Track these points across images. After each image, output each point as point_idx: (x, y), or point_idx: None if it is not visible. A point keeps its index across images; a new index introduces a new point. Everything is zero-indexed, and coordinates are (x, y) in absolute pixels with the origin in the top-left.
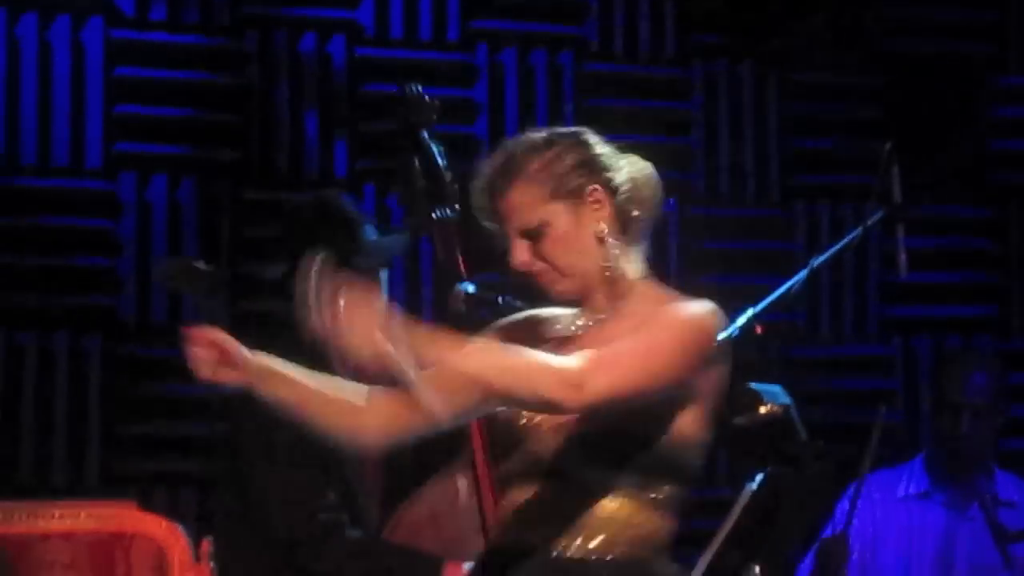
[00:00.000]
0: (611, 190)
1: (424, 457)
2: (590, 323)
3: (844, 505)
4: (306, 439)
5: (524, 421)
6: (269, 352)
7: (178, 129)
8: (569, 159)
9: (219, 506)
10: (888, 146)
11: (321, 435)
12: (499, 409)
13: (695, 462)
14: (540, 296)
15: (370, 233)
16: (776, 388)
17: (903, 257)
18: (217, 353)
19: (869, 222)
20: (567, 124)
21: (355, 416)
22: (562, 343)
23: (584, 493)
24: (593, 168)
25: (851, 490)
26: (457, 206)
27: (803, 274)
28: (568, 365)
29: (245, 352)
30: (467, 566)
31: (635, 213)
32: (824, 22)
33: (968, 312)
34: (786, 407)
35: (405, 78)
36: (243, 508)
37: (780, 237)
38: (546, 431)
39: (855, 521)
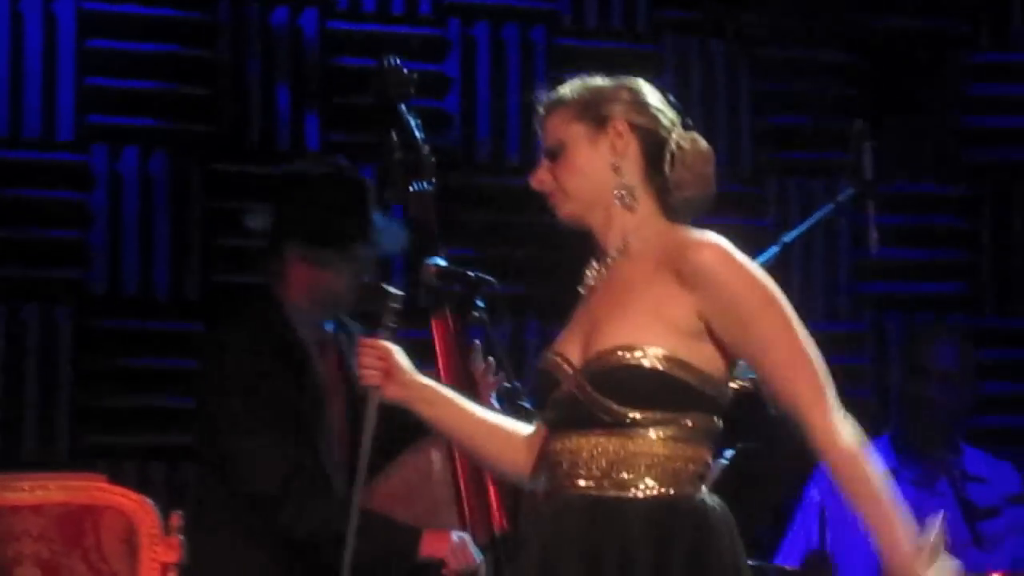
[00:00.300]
0: (641, 132)
1: (397, 430)
2: (603, 269)
3: (812, 490)
4: (276, 404)
5: (560, 366)
6: (245, 325)
7: (150, 101)
8: (609, 92)
9: (194, 476)
10: (860, 123)
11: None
12: (544, 361)
13: (724, 390)
14: (513, 271)
15: (377, 215)
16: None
17: (874, 234)
18: (387, 366)
19: (840, 199)
20: (538, 99)
21: (517, 451)
22: (587, 295)
23: (623, 431)
24: (630, 107)
25: (818, 474)
26: (433, 179)
27: (774, 250)
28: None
29: (413, 372)
30: (454, 536)
31: (668, 172)
32: None
33: (939, 289)
34: (755, 383)
35: (377, 52)
36: (217, 476)
37: (751, 213)
38: (580, 376)
39: (822, 501)
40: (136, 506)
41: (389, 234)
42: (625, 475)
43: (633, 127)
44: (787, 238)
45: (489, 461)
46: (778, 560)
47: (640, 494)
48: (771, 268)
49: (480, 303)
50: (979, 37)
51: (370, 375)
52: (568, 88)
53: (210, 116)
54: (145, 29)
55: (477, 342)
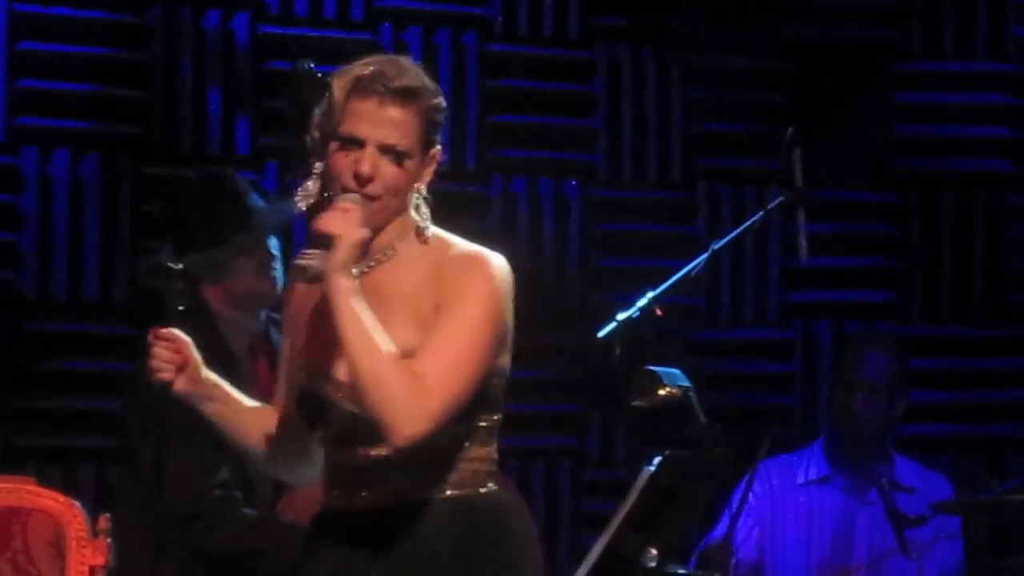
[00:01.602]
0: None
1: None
2: (365, 269)
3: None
4: (200, 417)
5: (332, 390)
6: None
7: (81, 104)
8: (440, 116)
9: (117, 482)
10: (790, 131)
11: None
12: (311, 385)
13: (501, 390)
14: None
15: (257, 201)
16: (676, 371)
17: (804, 242)
18: (182, 360)
19: (770, 206)
20: (470, 104)
21: (266, 442)
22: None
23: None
24: (439, 132)
25: (744, 482)
26: None
27: (704, 257)
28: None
29: (203, 365)
30: None
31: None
32: (728, 5)
33: (868, 297)
34: (685, 390)
35: (309, 56)
36: (142, 484)
37: (682, 220)
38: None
39: (753, 507)
40: (64, 508)
41: (272, 215)
42: (422, 482)
43: (437, 154)
44: (717, 245)
45: (254, 449)
46: (706, 539)
47: (440, 496)
48: (701, 275)
49: None
50: (910, 46)
51: (164, 369)
52: (417, 87)
53: (141, 119)
54: (76, 31)
55: None
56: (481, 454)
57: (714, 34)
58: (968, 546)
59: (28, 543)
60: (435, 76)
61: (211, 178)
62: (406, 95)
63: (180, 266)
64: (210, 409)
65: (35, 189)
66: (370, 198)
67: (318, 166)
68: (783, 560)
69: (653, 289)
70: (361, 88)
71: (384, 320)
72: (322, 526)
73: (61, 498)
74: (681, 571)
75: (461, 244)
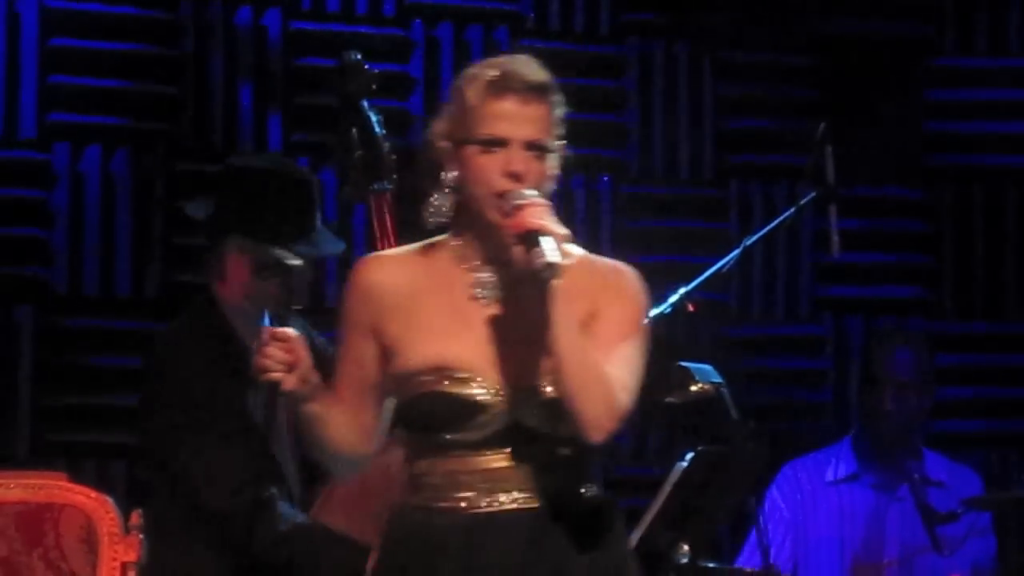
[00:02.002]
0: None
1: None
2: (498, 280)
3: (774, 493)
4: (223, 410)
5: (487, 394)
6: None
7: (112, 100)
8: (562, 110)
9: (145, 479)
10: (822, 126)
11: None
12: (459, 388)
13: None
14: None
15: (320, 219)
16: (708, 367)
17: (836, 237)
18: (294, 360)
19: (802, 202)
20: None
21: (366, 441)
22: (481, 305)
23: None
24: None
25: (780, 477)
26: (394, 177)
27: (736, 253)
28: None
29: (311, 364)
30: None
31: None
32: (760, 2)
33: (900, 293)
34: (717, 386)
35: (341, 52)
36: (169, 482)
37: (713, 216)
38: (513, 402)
39: (784, 512)
40: (96, 504)
41: (331, 241)
42: (566, 484)
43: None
44: (749, 241)
45: (337, 448)
46: (739, 562)
47: (581, 497)
48: (732, 271)
49: None
50: (943, 41)
51: (275, 369)
52: (548, 78)
53: (173, 115)
54: (108, 27)
55: None
56: (595, 456)
57: (745, 30)
58: (1000, 542)
59: (60, 539)
60: None
61: (289, 176)
62: (542, 91)
63: (299, 262)
64: (309, 409)
65: (67, 185)
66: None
67: (450, 177)
68: (816, 558)
69: (685, 285)
70: (498, 88)
71: (536, 339)
72: (445, 530)
73: (93, 494)
74: (712, 565)
75: (601, 259)
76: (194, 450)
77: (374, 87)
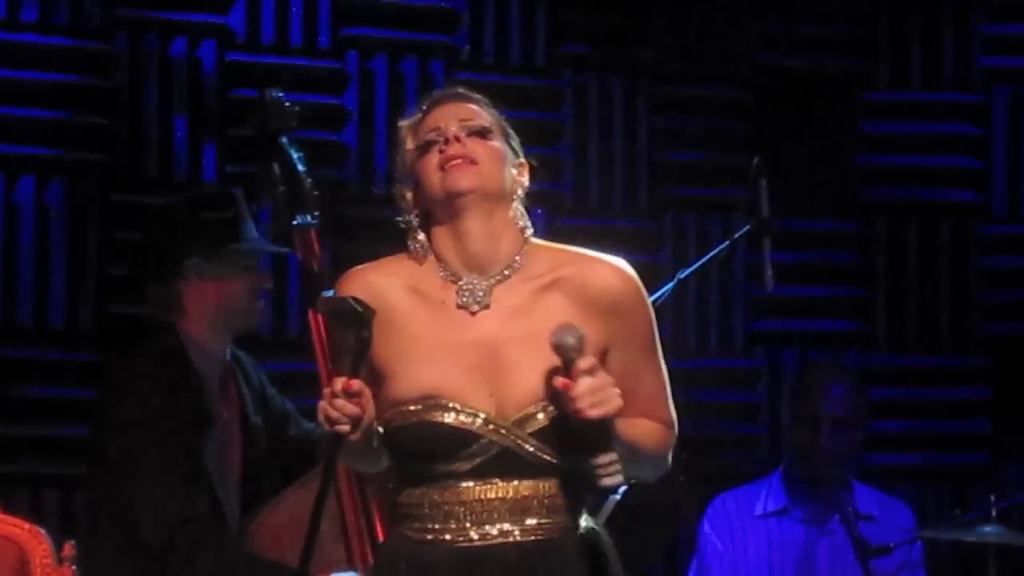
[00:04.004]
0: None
1: (285, 462)
2: (481, 287)
3: (705, 527)
4: (176, 447)
5: (477, 423)
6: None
7: (47, 131)
8: (510, 131)
9: (84, 510)
10: (756, 160)
11: (193, 445)
12: (448, 418)
13: None
14: None
15: (251, 231)
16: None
17: (770, 271)
18: (360, 413)
19: (737, 235)
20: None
21: None
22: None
23: (560, 478)
24: (518, 146)
25: (711, 511)
26: (317, 212)
27: (670, 286)
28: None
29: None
30: None
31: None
32: (695, 36)
33: (834, 327)
34: None
35: (275, 84)
36: (111, 513)
37: (648, 249)
38: (512, 431)
39: (716, 545)
40: (29, 536)
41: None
42: (561, 516)
43: (526, 171)
44: (683, 274)
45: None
46: None
47: (575, 529)
48: (667, 304)
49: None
50: (877, 75)
51: (343, 423)
52: (476, 95)
53: (107, 146)
54: (43, 58)
55: None
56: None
57: (681, 63)
58: None
59: None
60: (401, 104)
61: (212, 194)
62: (472, 95)
63: (261, 248)
64: (357, 447)
65: (1, 216)
66: (472, 162)
67: (410, 216)
68: None
69: None
70: (431, 102)
71: (531, 335)
72: (436, 564)
73: (26, 525)
74: None
75: (580, 251)
76: (145, 482)
77: (295, 123)
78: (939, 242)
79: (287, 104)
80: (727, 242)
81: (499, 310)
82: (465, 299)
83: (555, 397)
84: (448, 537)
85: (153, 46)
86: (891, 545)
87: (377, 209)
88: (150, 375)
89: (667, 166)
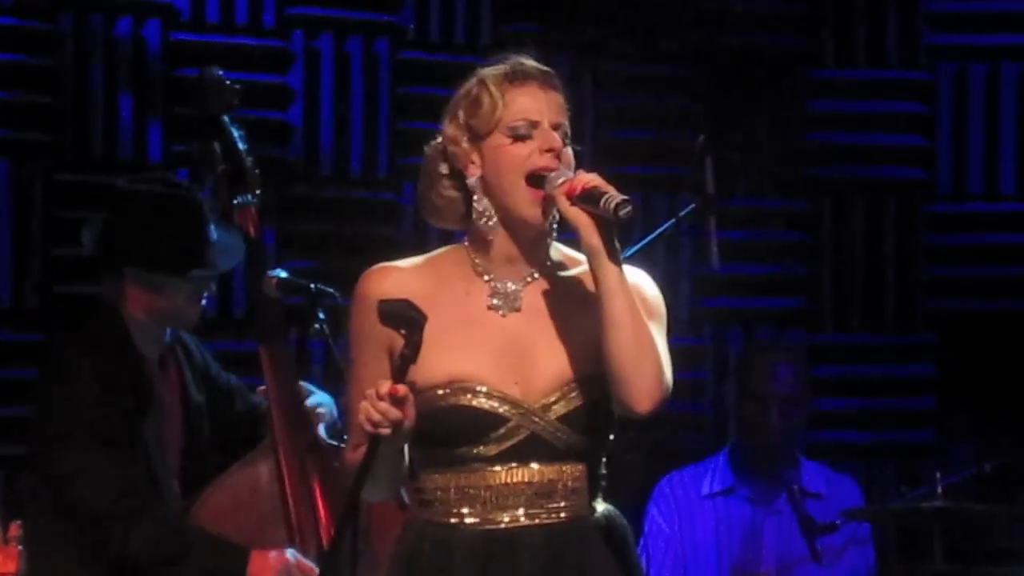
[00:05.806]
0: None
1: (226, 441)
2: (514, 288)
3: (652, 510)
4: (113, 423)
5: (505, 407)
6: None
7: None
8: None
9: (27, 489)
10: (702, 138)
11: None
12: (476, 401)
13: None
14: (355, 283)
15: (214, 233)
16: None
17: (715, 248)
18: (401, 417)
19: (682, 213)
20: (382, 111)
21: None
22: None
23: (583, 462)
24: None
25: (657, 493)
26: (258, 191)
27: None
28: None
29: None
30: (288, 553)
31: None
32: (641, 12)
33: (779, 304)
34: None
35: (220, 63)
36: (50, 490)
37: None
38: (541, 415)
39: (663, 527)
40: None
41: (228, 252)
42: (584, 499)
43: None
44: (628, 252)
45: (386, 481)
46: None
47: (596, 511)
48: None
49: (321, 315)
50: (821, 54)
51: (385, 426)
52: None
53: (52, 125)
54: None
55: (304, 385)
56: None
57: (626, 41)
58: (879, 552)
59: None
60: (346, 83)
61: (180, 200)
62: (555, 78)
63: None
64: (387, 454)
65: None
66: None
67: (473, 179)
68: (695, 572)
69: None
70: (517, 76)
71: (555, 327)
72: (463, 547)
73: None
74: None
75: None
76: (83, 456)
77: (236, 102)
78: (884, 220)
79: (228, 83)
80: (672, 220)
81: (525, 308)
82: (497, 302)
83: (580, 383)
84: (474, 520)
85: (98, 25)
86: (837, 522)
87: (321, 188)
88: (88, 353)
89: (612, 144)
